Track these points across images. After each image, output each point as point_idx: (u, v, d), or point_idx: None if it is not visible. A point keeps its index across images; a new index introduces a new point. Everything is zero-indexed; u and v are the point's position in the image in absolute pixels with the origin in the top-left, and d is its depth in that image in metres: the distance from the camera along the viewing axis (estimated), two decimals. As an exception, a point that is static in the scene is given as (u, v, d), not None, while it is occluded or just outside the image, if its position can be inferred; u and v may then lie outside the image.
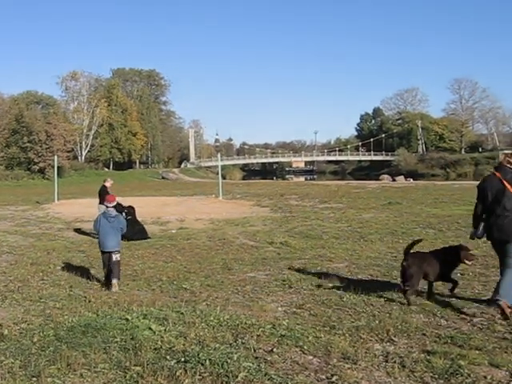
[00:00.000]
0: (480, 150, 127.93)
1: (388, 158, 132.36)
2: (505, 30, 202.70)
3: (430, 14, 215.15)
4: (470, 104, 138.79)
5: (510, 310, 7.57)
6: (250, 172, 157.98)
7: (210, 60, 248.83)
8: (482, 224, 8.18)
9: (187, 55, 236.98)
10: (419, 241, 9.74)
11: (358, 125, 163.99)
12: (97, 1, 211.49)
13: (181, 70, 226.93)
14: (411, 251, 9.04)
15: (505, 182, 7.88)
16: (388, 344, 6.57)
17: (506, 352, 6.24)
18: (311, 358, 6.13)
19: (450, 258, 8.82)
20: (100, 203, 17.34)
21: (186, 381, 5.31)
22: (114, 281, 10.22)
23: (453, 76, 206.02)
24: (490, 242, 8.46)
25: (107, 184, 17.99)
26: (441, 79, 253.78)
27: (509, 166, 8.06)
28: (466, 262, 8.77)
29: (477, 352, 6.21)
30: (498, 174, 8.08)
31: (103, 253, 10.79)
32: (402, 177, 78.35)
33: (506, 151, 9.41)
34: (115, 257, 10.55)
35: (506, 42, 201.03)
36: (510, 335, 6.86)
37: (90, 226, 17.45)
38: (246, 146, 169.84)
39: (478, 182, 8.63)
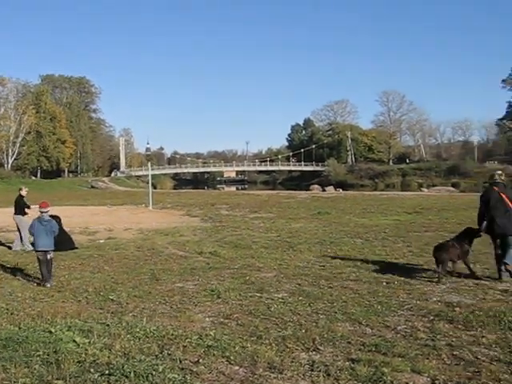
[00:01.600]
0: (407, 161, 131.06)
1: (318, 168, 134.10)
2: (431, 44, 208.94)
3: (363, 27, 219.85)
4: (397, 116, 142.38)
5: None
6: (181, 181, 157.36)
7: (141, 68, 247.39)
8: (485, 223, 11.35)
9: (118, 63, 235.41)
10: None
11: (289, 135, 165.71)
12: (28, 7, 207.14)
13: (111, 78, 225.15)
14: None
15: (502, 194, 11.24)
16: (314, 353, 6.63)
17: (427, 358, 6.39)
18: (237, 368, 6.14)
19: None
20: (16, 213, 16.92)
21: (110, 394, 5.24)
22: (47, 278, 11.39)
23: (382, 88, 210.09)
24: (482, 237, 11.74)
25: (23, 193, 17.46)
26: (370, 92, 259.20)
27: (502, 182, 11.63)
28: None
29: (400, 359, 6.34)
30: (496, 188, 11.45)
31: (38, 252, 11.75)
32: (332, 187, 79.54)
33: (499, 171, 12.28)
34: (49, 256, 11.63)
35: (432, 57, 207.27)
36: (432, 342, 7.02)
37: (13, 236, 17.07)
38: (177, 155, 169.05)
39: (481, 194, 12.09)
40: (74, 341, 6.88)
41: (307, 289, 10.30)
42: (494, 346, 6.86)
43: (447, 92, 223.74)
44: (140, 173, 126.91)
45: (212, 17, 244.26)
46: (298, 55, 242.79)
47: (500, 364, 6.21)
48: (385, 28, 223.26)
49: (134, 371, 5.75)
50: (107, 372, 5.77)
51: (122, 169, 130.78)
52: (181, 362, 6.24)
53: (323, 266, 12.76)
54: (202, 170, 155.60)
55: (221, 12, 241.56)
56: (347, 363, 6.22)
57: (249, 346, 6.81)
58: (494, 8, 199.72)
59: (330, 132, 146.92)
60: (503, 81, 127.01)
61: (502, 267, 10.98)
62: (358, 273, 11.88)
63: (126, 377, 5.64)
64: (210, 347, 6.73)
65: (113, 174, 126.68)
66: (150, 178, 41.97)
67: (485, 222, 11.34)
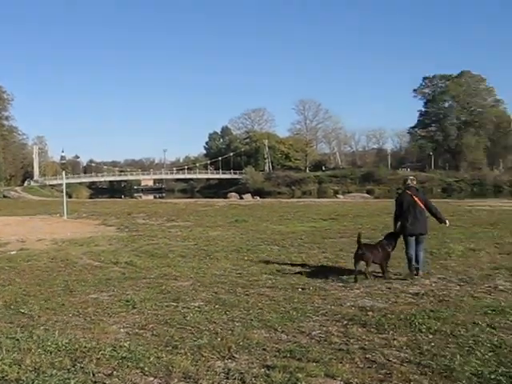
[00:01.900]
0: (323, 168, 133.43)
1: (236, 176, 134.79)
2: (346, 54, 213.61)
3: (280, 35, 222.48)
4: (313, 124, 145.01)
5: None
6: (97, 190, 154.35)
7: (54, 75, 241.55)
8: (399, 224, 12.55)
9: (30, 70, 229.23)
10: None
11: (206, 143, 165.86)
12: None
13: (24, 85, 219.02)
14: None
15: (415, 197, 12.45)
16: (229, 361, 6.63)
17: (341, 362, 6.50)
18: (152, 379, 6.08)
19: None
20: None
21: (18, 411, 5.07)
22: None
23: (298, 97, 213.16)
24: (408, 237, 12.40)
25: None
26: (287, 100, 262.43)
27: (414, 186, 12.88)
28: None
29: (314, 364, 6.42)
30: (409, 191, 12.64)
31: None
32: (250, 195, 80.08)
33: (411, 177, 13.61)
34: None
35: (347, 66, 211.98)
36: (346, 346, 7.15)
37: None
38: (93, 164, 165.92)
39: (396, 198, 13.34)
40: (-18, 357, 6.63)
41: (223, 297, 10.29)
42: (404, 348, 7.05)
43: (362, 101, 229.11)
44: (54, 182, 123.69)
45: (123, 23, 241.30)
46: (215, 62, 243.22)
47: (410, 365, 6.39)
48: (301, 38, 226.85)
49: (45, 386, 5.60)
50: (16, 388, 5.59)
51: (35, 178, 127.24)
52: (94, 375, 6.11)
53: (240, 274, 12.79)
54: (118, 178, 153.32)
55: (130, 18, 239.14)
56: (262, 370, 6.25)
57: (164, 356, 6.74)
58: (408, 21, 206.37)
59: (248, 140, 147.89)
60: (415, 90, 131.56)
61: (419, 270, 12.13)
62: (275, 280, 11.97)
63: (36, 392, 5.48)
64: (124, 359, 6.62)
65: (26, 183, 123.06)
66: (64, 186, 41.02)
67: (399, 223, 12.56)
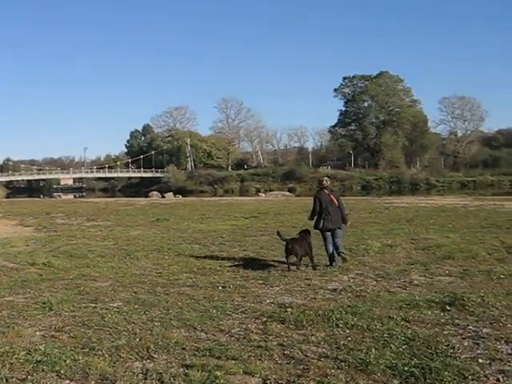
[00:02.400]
0: (245, 166, 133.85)
1: (158, 174, 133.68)
2: (267, 53, 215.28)
3: (203, 31, 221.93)
4: (236, 123, 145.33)
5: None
6: (14, 190, 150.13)
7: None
8: (316, 219, 13.71)
9: None
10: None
11: (127, 141, 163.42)
12: None
13: None
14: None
15: (331, 196, 13.68)
16: (148, 361, 6.58)
17: (259, 359, 6.55)
18: (68, 382, 5.99)
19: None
20: None
21: None
22: None
23: (220, 95, 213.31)
24: (317, 231, 13.82)
25: None
26: (208, 98, 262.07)
27: (329, 186, 14.16)
28: None
29: (233, 362, 6.45)
30: (326, 190, 13.84)
31: None
32: (172, 193, 79.40)
33: (326, 178, 14.77)
34: None
35: (268, 65, 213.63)
36: (265, 343, 7.21)
37: None
38: (10, 162, 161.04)
39: (314, 194, 14.21)
40: None
41: (143, 297, 10.21)
42: (322, 343, 7.16)
43: (283, 100, 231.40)
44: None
45: (42, 17, 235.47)
46: (138, 59, 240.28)
47: (327, 360, 6.49)
48: (224, 34, 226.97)
49: (-46, 393, 5.42)
50: None
51: None
52: (7, 380, 5.95)
53: (160, 273, 12.71)
54: (37, 177, 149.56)
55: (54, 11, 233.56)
56: (181, 369, 6.24)
57: (81, 358, 6.62)
58: (328, 21, 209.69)
59: (170, 138, 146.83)
60: (335, 90, 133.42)
61: (338, 257, 13.37)
62: (195, 278, 11.96)
63: None
64: (39, 362, 6.47)
65: None
66: (-22, 186, 39.77)
67: (315, 219, 13.78)
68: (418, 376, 5.93)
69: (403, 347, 6.88)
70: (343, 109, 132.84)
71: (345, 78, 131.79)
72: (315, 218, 13.82)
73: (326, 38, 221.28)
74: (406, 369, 6.11)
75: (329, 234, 13.47)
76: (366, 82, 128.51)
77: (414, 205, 34.29)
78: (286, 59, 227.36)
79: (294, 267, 12.78)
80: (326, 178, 14.54)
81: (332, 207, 13.51)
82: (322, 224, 13.51)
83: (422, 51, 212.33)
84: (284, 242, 13.29)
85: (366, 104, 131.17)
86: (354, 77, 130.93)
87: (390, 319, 8.14)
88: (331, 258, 13.35)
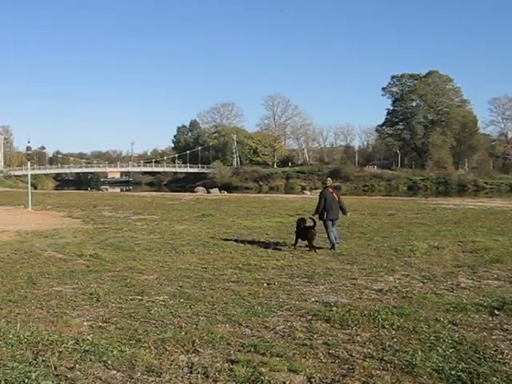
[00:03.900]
0: (290, 164, 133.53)
1: (204, 170, 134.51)
2: (316, 51, 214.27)
3: (246, 30, 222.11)
4: (282, 120, 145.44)
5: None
6: (63, 182, 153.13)
7: (19, 64, 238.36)
8: (320, 213, 16.38)
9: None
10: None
11: (174, 137, 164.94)
12: None
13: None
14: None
15: (334, 194, 16.65)
16: (193, 355, 6.62)
17: (304, 357, 6.53)
18: (115, 372, 6.04)
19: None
20: None
21: (-22, 404, 5.00)
22: None
23: (267, 92, 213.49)
24: (328, 222, 16.26)
25: None
26: (256, 95, 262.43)
27: (331, 185, 17.16)
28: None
29: (277, 359, 6.44)
30: (330, 189, 16.74)
31: None
32: (217, 189, 79.81)
33: (329, 178, 18.33)
34: None
35: (317, 63, 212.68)
36: (310, 341, 7.18)
37: None
38: (59, 155, 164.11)
39: (320, 192, 17.07)
40: None
41: (188, 291, 10.27)
42: (367, 343, 7.11)
43: (330, 98, 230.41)
44: (19, 172, 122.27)
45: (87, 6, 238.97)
46: (185, 55, 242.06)
47: (373, 361, 6.44)
48: (271, 30, 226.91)
49: (5, 379, 5.53)
50: (-24, 381, 5.51)
51: (0, 168, 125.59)
52: (56, 368, 6.05)
53: (205, 268, 12.77)
54: (85, 170, 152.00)
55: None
56: (226, 364, 6.26)
57: (127, 349, 6.71)
58: (378, 18, 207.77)
59: (216, 134, 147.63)
60: (383, 89, 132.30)
61: (336, 244, 15.99)
62: (240, 274, 11.98)
63: (-4, 385, 5.41)
64: (86, 352, 6.57)
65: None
66: (29, 177, 40.57)
67: (321, 212, 16.49)
68: (465, 380, 5.84)
69: (450, 351, 6.78)
70: (391, 108, 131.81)
71: (393, 77, 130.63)
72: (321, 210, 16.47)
73: (375, 35, 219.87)
74: (452, 373, 6.02)
75: (330, 222, 16.31)
76: (415, 81, 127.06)
77: (462, 206, 33.77)
78: (334, 57, 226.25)
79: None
80: (329, 179, 17.82)
81: (334, 202, 16.48)
82: (326, 216, 16.30)
83: (472, 51, 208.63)
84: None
85: (414, 103, 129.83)
86: (402, 76, 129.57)
87: (436, 322, 8.03)
88: (333, 243, 15.92)
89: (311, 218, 16.34)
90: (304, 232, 16.12)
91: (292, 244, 16.53)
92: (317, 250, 15.40)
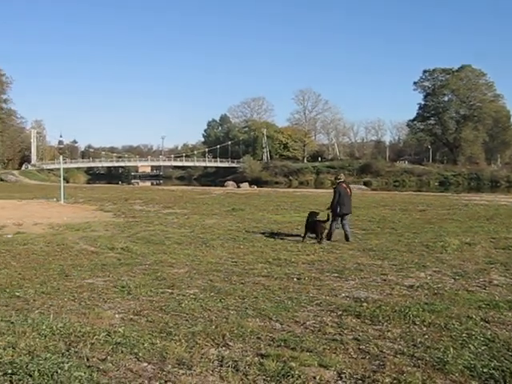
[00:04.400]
0: (320, 159, 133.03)
1: (234, 164, 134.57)
2: (346, 46, 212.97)
3: (277, 25, 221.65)
4: (313, 115, 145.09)
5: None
6: (94, 176, 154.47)
7: (53, 58, 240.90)
8: (337, 207, 16.91)
9: (30, 52, 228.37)
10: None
11: (205, 131, 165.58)
12: None
13: (23, 68, 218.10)
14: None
15: (348, 189, 17.47)
16: (223, 348, 6.65)
17: (334, 353, 6.51)
18: (146, 364, 6.08)
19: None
20: None
21: (12, 393, 5.07)
22: None
23: (298, 87, 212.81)
24: (338, 217, 17.00)
25: None
26: (287, 90, 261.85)
27: (344, 180, 18.06)
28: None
29: (308, 354, 6.43)
30: (343, 184, 17.52)
31: None
32: (247, 183, 79.75)
33: (341, 174, 19.70)
34: None
35: (347, 58, 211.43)
36: (340, 336, 7.16)
37: None
38: (91, 149, 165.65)
39: (335, 187, 17.62)
40: (-24, 339, 6.63)
41: (219, 285, 10.31)
42: (398, 339, 7.07)
43: (361, 93, 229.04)
44: (52, 166, 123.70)
45: (124, 19, 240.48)
46: (215, 51, 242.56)
47: (404, 357, 6.40)
48: (302, 31, 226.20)
49: (39, 370, 5.59)
50: (10, 371, 5.58)
51: (33, 162, 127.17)
52: (88, 359, 6.12)
53: (235, 262, 12.81)
54: (116, 164, 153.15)
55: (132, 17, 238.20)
56: (256, 358, 6.27)
57: (158, 342, 6.75)
58: (408, 14, 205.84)
59: (246, 129, 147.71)
60: (415, 83, 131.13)
61: (348, 238, 16.56)
62: (270, 269, 11.98)
63: (30, 376, 5.47)
64: (118, 344, 6.63)
65: (23, 167, 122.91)
66: (61, 171, 40.96)
67: (337, 207, 17.01)
68: (498, 379, 5.77)
69: (482, 348, 6.71)
70: (422, 102, 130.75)
71: (425, 71, 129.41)
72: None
73: (406, 30, 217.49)
74: (485, 370, 5.96)
75: (339, 218, 16.99)
76: (447, 76, 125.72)
77: (494, 203, 33.29)
78: (365, 52, 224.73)
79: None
80: (342, 174, 19.02)
81: (347, 197, 17.17)
82: (339, 210, 16.91)
83: (506, 45, 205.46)
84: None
85: (446, 98, 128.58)
86: (434, 70, 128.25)
87: (468, 319, 7.95)
88: (331, 234, 16.79)
89: (316, 213, 17.17)
90: (313, 225, 16.60)
91: (301, 237, 16.86)
92: (324, 242, 16.15)
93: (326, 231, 16.67)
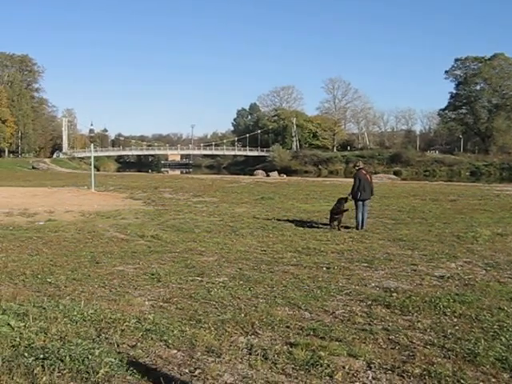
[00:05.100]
0: (349, 148, 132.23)
1: (263, 153, 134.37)
2: (376, 34, 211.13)
3: (307, 14, 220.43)
4: (342, 104, 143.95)
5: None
6: (124, 164, 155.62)
7: (85, 47, 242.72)
8: (358, 193, 17.31)
9: (62, 41, 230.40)
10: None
11: (234, 120, 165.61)
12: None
13: (55, 57, 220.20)
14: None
15: (367, 175, 17.80)
16: (252, 337, 6.66)
17: (364, 342, 6.48)
18: (175, 351, 6.12)
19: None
20: None
21: (44, 378, 5.13)
22: None
23: (327, 76, 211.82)
24: (358, 202, 17.34)
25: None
26: (316, 79, 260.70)
27: (363, 167, 18.52)
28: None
29: (337, 343, 6.42)
30: (363, 171, 17.90)
31: None
32: (276, 172, 79.51)
33: (360, 160, 20.85)
34: None
35: (377, 46, 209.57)
36: (369, 326, 7.13)
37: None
38: (121, 138, 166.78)
39: (354, 174, 18.14)
40: (9, 324, 6.70)
41: (248, 273, 10.34)
42: (428, 330, 7.01)
43: (391, 82, 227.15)
44: (83, 154, 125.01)
45: (157, 13, 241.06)
46: (248, 39, 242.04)
47: (434, 348, 6.35)
48: (332, 19, 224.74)
49: (70, 355, 5.65)
50: (42, 356, 5.64)
51: (64, 150, 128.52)
52: (118, 345, 6.17)
53: (264, 251, 12.82)
54: (146, 152, 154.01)
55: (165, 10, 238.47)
56: (285, 347, 6.27)
57: (187, 329, 6.79)
58: (440, 3, 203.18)
59: (276, 118, 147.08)
60: (446, 72, 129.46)
61: (363, 225, 17.07)
62: (299, 258, 11.98)
63: (62, 361, 5.53)
64: (148, 331, 6.68)
65: (55, 155, 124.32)
66: (92, 159, 41.35)
67: (357, 193, 17.42)
68: (530, 371, 5.70)
69: (514, 340, 6.62)
70: (454, 91, 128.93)
71: (457, 60, 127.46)
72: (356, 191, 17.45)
73: (437, 18, 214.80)
74: (516, 363, 5.88)
75: (361, 203, 17.27)
76: (480, 64, 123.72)
77: (527, 193, 32.87)
78: (396, 40, 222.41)
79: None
80: (360, 162, 19.42)
81: (366, 183, 17.49)
82: (359, 195, 17.30)
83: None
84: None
85: (478, 87, 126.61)
86: (466, 58, 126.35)
87: (500, 310, 7.85)
88: (359, 224, 17.04)
89: (345, 198, 17.76)
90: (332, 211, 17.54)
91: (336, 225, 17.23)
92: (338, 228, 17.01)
93: (339, 219, 17.26)
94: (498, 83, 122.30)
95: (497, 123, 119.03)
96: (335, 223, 17.16)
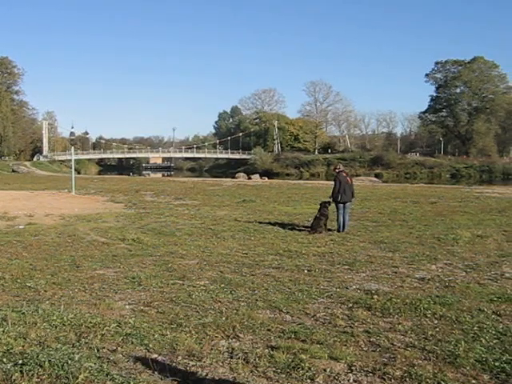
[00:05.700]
0: (331, 151, 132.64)
1: (245, 156, 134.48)
2: (357, 38, 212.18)
3: (288, 16, 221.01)
4: (324, 106, 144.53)
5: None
6: (106, 167, 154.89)
7: (65, 49, 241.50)
8: (338, 195, 17.21)
9: (42, 43, 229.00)
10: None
11: (216, 123, 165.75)
12: None
13: (35, 60, 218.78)
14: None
15: (348, 178, 17.70)
16: (233, 340, 6.65)
17: (345, 345, 6.49)
18: (156, 356, 6.10)
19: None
20: None
21: (23, 384, 5.08)
22: None
23: (309, 79, 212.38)
24: (339, 204, 17.27)
25: None
26: (298, 81, 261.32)
27: (344, 170, 18.16)
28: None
29: (318, 346, 6.42)
30: (344, 173, 17.78)
31: None
32: (258, 175, 79.70)
33: (341, 163, 20.00)
34: None
35: (359, 50, 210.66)
36: (350, 329, 7.15)
37: None
38: (102, 141, 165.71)
39: (335, 176, 17.85)
40: (-13, 329, 6.64)
41: (229, 276, 10.31)
42: (409, 332, 7.04)
43: (372, 85, 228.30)
44: (63, 157, 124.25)
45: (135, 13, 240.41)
46: (227, 41, 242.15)
47: (414, 350, 6.37)
48: (313, 22, 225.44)
49: (49, 360, 5.60)
50: (21, 362, 5.59)
51: (44, 153, 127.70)
52: (98, 350, 6.13)
53: (246, 254, 12.80)
54: (127, 155, 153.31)
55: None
56: (266, 350, 6.26)
57: (168, 333, 6.77)
58: (420, 5, 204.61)
59: (257, 120, 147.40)
60: (426, 75, 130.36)
61: (345, 228, 17.10)
62: (281, 260, 11.97)
63: (41, 366, 5.48)
64: (128, 335, 6.64)
65: (35, 158, 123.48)
66: (73, 162, 41.06)
67: (337, 195, 17.38)
68: (510, 372, 5.73)
69: (494, 342, 6.66)
70: (434, 94, 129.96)
71: (437, 63, 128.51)
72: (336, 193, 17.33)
73: (418, 21, 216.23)
74: (496, 364, 5.92)
75: (342, 205, 17.23)
76: (459, 68, 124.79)
77: (506, 195, 33.11)
78: (377, 43, 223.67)
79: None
80: (340, 165, 18.69)
81: (347, 186, 17.40)
82: (340, 198, 17.23)
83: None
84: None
85: (458, 90, 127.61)
86: (446, 62, 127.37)
87: (480, 312, 7.90)
88: (340, 226, 17.02)
89: (328, 202, 17.58)
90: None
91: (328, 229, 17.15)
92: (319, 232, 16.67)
93: (318, 222, 17.04)
94: (478, 86, 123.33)
95: (476, 126, 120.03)
96: (320, 229, 16.82)
